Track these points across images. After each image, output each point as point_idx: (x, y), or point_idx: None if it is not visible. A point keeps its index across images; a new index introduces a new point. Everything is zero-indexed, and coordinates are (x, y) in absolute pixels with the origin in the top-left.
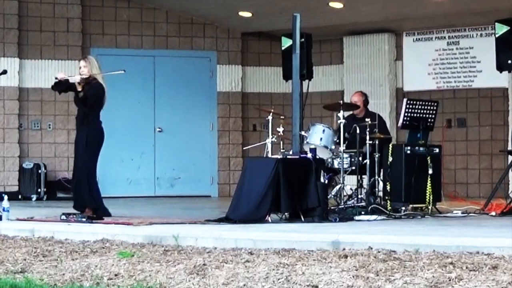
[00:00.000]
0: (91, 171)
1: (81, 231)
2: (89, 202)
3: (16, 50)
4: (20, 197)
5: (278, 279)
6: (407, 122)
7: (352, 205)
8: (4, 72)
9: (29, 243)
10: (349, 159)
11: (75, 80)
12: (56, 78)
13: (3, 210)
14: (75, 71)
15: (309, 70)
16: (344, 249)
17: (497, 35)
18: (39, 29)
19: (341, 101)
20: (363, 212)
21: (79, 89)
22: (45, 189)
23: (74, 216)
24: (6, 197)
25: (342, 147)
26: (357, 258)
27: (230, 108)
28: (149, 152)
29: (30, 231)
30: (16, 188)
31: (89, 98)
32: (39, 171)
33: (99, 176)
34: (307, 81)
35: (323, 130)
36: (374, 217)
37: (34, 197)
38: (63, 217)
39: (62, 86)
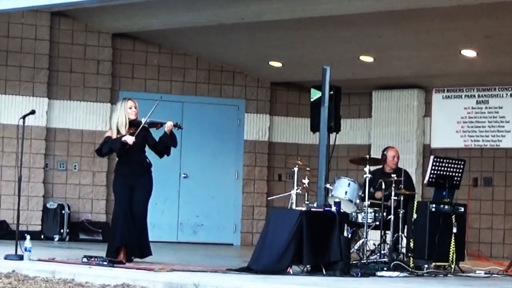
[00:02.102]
0: None
1: (102, 274)
2: (149, 250)
3: (46, 90)
4: (42, 237)
5: None
6: (433, 180)
7: (375, 260)
8: (33, 112)
9: (49, 284)
10: (373, 214)
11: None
12: (125, 144)
13: (25, 250)
14: (103, 112)
15: (337, 122)
16: None
17: None
18: (69, 70)
19: (368, 156)
20: (385, 268)
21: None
22: (67, 230)
23: (96, 259)
24: (28, 237)
25: (367, 202)
26: None
27: (256, 157)
28: (173, 198)
29: (51, 272)
30: (39, 228)
31: (153, 140)
32: (63, 211)
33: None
34: (334, 133)
35: (349, 184)
36: (396, 273)
37: (56, 237)
38: (85, 259)
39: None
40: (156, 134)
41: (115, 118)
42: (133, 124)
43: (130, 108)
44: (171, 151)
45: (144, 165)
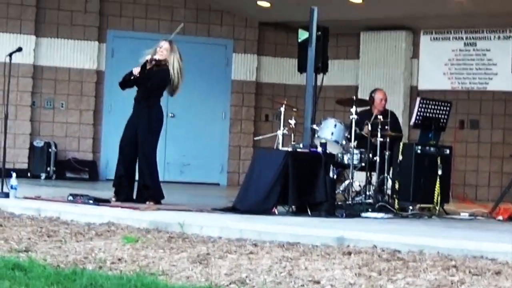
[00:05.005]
0: (155, 159)
1: (87, 213)
2: (158, 195)
3: (33, 27)
4: (29, 175)
5: (281, 273)
6: (419, 122)
7: (360, 201)
8: (19, 49)
9: (34, 222)
10: (359, 155)
11: (148, 57)
12: (131, 73)
13: (11, 187)
14: (90, 51)
15: (325, 63)
16: (348, 246)
17: None
18: (57, 8)
19: (354, 97)
20: (370, 209)
21: (148, 66)
22: (54, 168)
23: (81, 197)
24: (14, 174)
25: (353, 143)
26: (361, 256)
27: (243, 97)
28: (160, 137)
29: (36, 210)
30: (25, 166)
31: (154, 81)
32: (50, 150)
33: (108, 160)
34: (321, 74)
35: (335, 125)
36: (381, 215)
37: (43, 175)
38: (70, 197)
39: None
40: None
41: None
42: (157, 64)
43: (160, 47)
44: (145, 83)
45: (140, 102)
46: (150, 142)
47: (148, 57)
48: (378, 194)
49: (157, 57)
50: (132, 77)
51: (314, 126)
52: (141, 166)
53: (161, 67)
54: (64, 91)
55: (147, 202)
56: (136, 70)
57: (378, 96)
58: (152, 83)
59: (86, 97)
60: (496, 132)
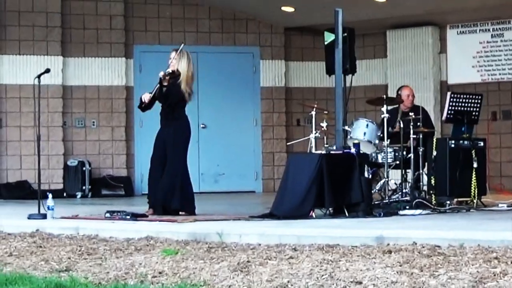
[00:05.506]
0: (184, 171)
1: (125, 228)
2: (187, 207)
3: (60, 48)
4: (65, 194)
5: (322, 276)
6: (451, 116)
7: (397, 199)
8: (47, 71)
9: (73, 241)
10: (393, 153)
11: (160, 75)
12: (143, 103)
13: (48, 208)
14: (118, 67)
15: (352, 64)
16: (388, 244)
17: None
18: (82, 27)
19: (384, 96)
20: (407, 207)
21: (165, 83)
22: (89, 187)
23: (119, 213)
24: (50, 195)
25: (386, 142)
26: (401, 253)
27: (273, 103)
28: (193, 149)
29: (74, 229)
30: (61, 186)
31: (172, 95)
32: (84, 168)
33: (142, 174)
34: (350, 75)
35: (367, 125)
36: (418, 211)
37: (78, 194)
38: (108, 214)
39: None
40: None
41: None
42: (173, 75)
43: (170, 59)
44: (166, 99)
45: (167, 116)
46: (176, 155)
47: (161, 74)
48: (414, 191)
49: (169, 70)
50: (143, 105)
51: (346, 128)
52: (162, 180)
53: (176, 78)
54: (95, 109)
55: (181, 213)
56: (146, 97)
57: (404, 93)
58: (171, 99)
59: (116, 113)
60: None
